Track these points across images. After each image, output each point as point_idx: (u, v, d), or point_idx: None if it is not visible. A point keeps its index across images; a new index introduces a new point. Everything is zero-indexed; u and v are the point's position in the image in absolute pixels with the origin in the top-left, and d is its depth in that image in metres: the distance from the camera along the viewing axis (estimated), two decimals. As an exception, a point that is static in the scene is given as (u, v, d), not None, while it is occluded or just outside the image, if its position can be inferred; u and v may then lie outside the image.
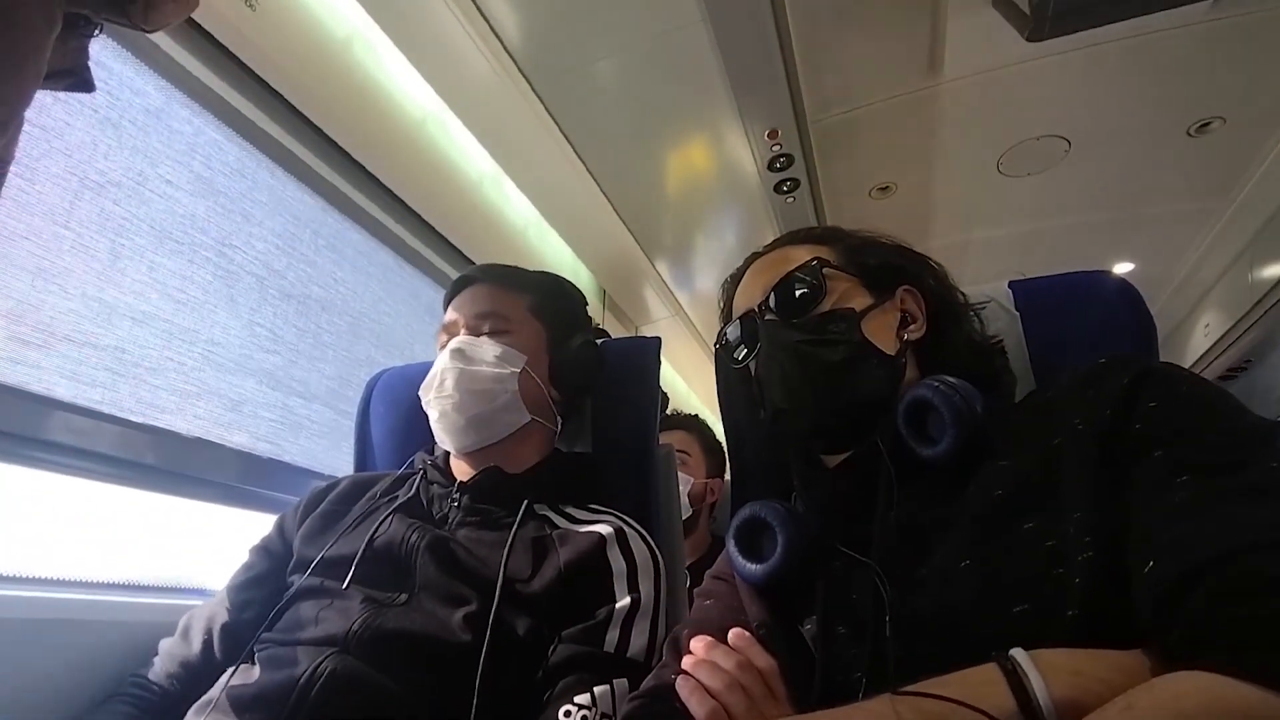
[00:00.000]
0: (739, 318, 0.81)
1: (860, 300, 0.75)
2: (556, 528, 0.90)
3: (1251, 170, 2.20)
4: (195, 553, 1.19)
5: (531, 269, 1.09)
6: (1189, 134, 2.04)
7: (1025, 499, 0.58)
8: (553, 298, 1.06)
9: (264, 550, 0.96)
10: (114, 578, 1.06)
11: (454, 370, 0.94)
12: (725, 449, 1.76)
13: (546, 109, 1.79)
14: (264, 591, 0.91)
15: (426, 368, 0.99)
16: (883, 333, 0.74)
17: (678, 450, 1.66)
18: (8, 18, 0.59)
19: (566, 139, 1.91)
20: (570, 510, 0.94)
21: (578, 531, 0.88)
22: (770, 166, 2.06)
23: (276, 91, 1.38)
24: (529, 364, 0.97)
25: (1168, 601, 0.45)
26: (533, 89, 1.72)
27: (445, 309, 1.03)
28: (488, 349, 0.96)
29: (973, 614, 0.56)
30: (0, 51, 0.59)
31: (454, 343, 0.96)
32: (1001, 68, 1.80)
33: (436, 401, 0.95)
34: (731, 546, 0.75)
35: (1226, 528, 0.45)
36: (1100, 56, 1.75)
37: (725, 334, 0.83)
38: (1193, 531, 0.46)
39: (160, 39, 1.18)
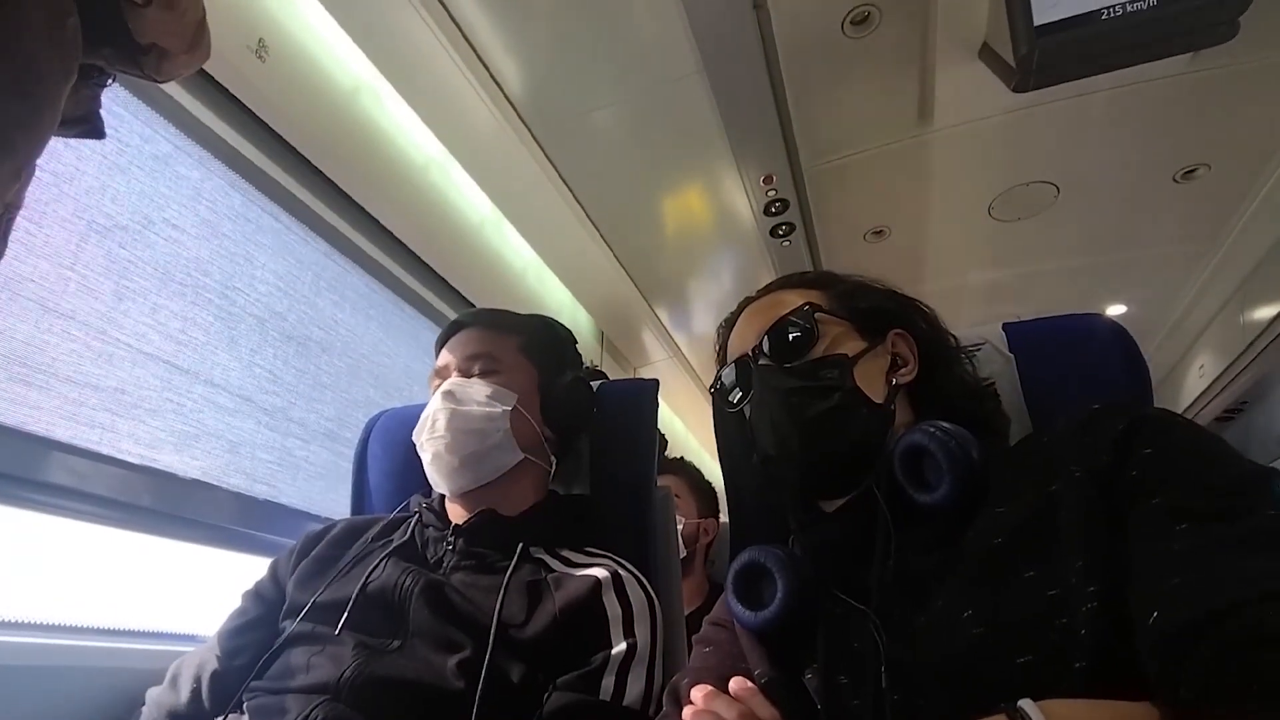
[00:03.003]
0: (734, 362, 0.81)
1: (852, 345, 0.76)
2: (551, 571, 0.89)
3: (1237, 215, 2.23)
4: (187, 597, 1.18)
5: (528, 311, 1.11)
6: (1175, 180, 2.08)
7: (1024, 547, 0.57)
8: (543, 337, 1.07)
9: (257, 595, 0.95)
10: (101, 623, 1.05)
11: (445, 411, 0.94)
12: (716, 490, 1.75)
13: (547, 156, 1.83)
14: (256, 637, 0.89)
15: (424, 409, 0.99)
16: (873, 378, 0.74)
17: (671, 492, 1.65)
18: (28, 69, 0.61)
19: (566, 185, 1.94)
20: (566, 553, 0.93)
21: (573, 575, 0.87)
22: (766, 211, 2.10)
23: (283, 139, 1.41)
24: (520, 403, 0.97)
25: (1174, 653, 0.44)
26: (533, 136, 1.76)
27: (437, 354, 1.04)
28: (478, 389, 0.96)
29: (975, 664, 0.55)
30: (19, 102, 0.61)
31: (445, 385, 0.97)
32: (990, 117, 1.85)
33: (429, 443, 0.95)
34: (730, 593, 0.75)
35: (1229, 578, 0.45)
36: (1086, 106, 1.80)
37: (721, 378, 0.83)
38: (1195, 582, 0.46)
39: (171, 88, 1.21)
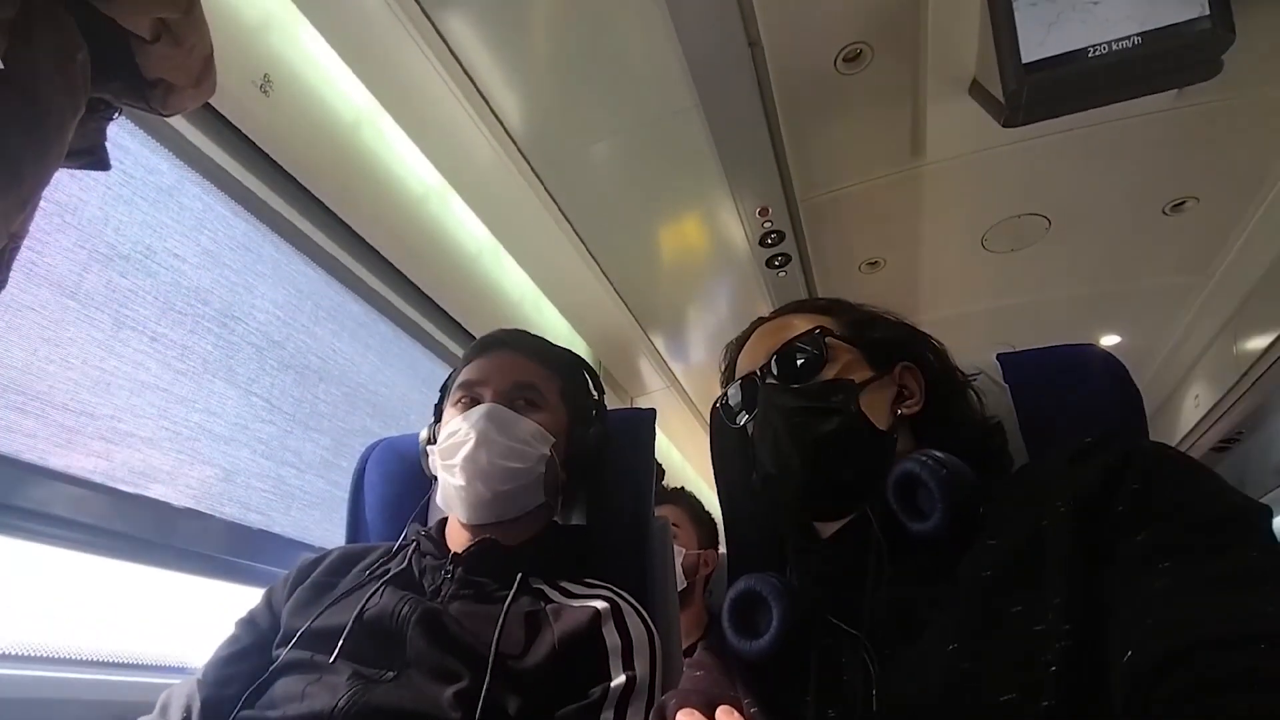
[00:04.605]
0: (740, 380, 0.82)
1: (860, 373, 0.76)
2: (550, 602, 0.88)
3: (1228, 247, 2.26)
4: (178, 627, 1.16)
5: None
6: (1164, 213, 2.11)
7: (1013, 581, 0.57)
8: (580, 386, 1.05)
9: (250, 623, 0.93)
10: (91, 653, 1.03)
11: (488, 441, 0.90)
12: (715, 520, 1.75)
13: (545, 187, 1.85)
14: (248, 667, 0.88)
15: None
16: (878, 407, 0.74)
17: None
18: (37, 102, 0.63)
19: (564, 216, 1.96)
20: (565, 584, 0.92)
21: (572, 606, 0.86)
22: (762, 242, 2.12)
23: (285, 170, 1.43)
24: (553, 446, 0.96)
25: (1138, 695, 0.44)
26: (532, 169, 1.79)
27: (466, 365, 1.00)
28: (525, 426, 0.93)
29: (959, 701, 0.54)
30: (27, 133, 0.62)
31: (491, 408, 0.93)
32: (981, 150, 1.88)
33: (464, 469, 0.90)
34: (726, 620, 0.74)
35: (1202, 619, 0.45)
36: (1075, 140, 1.83)
37: (726, 395, 0.84)
38: (1165, 622, 0.46)
39: (176, 121, 1.23)
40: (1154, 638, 0.46)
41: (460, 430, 0.92)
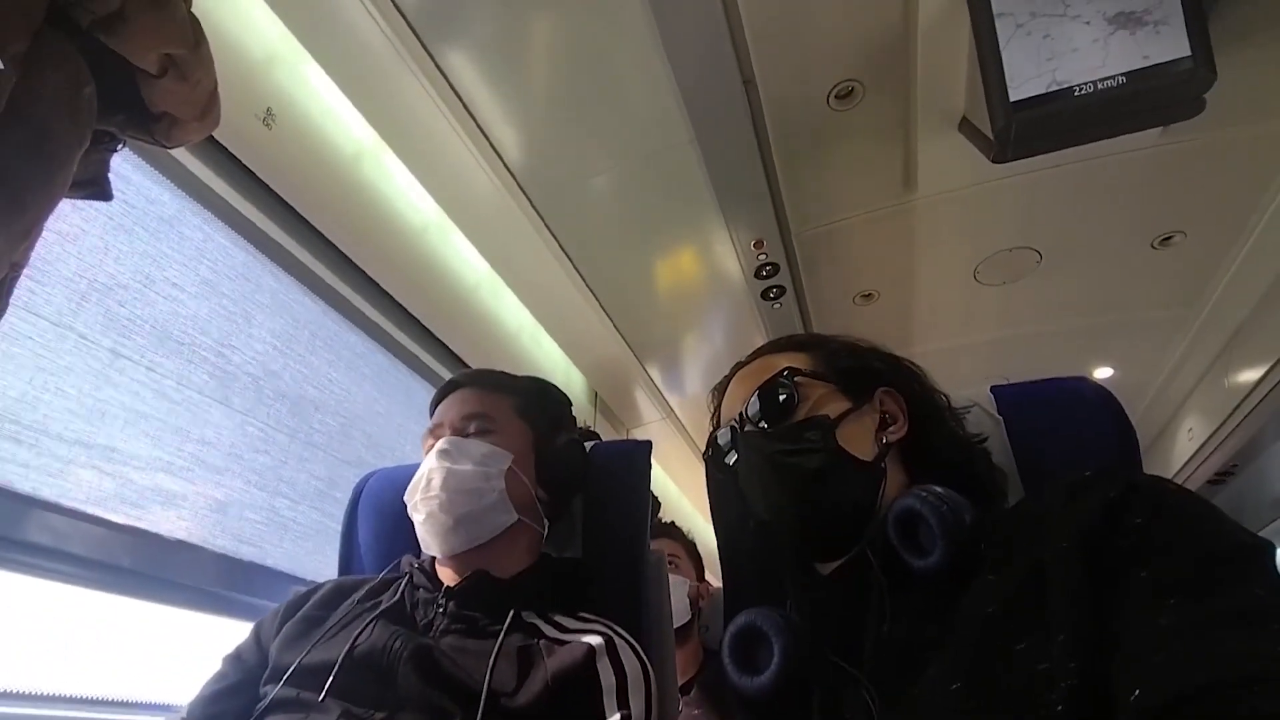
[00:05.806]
0: (726, 426, 0.82)
1: (836, 406, 0.76)
2: (544, 637, 0.87)
3: (1216, 280, 2.29)
4: (164, 663, 1.14)
5: (523, 373, 1.11)
6: (1153, 247, 2.14)
7: (1016, 619, 0.56)
8: (538, 399, 1.07)
9: (238, 658, 0.92)
10: (74, 691, 1.01)
11: (440, 470, 0.93)
12: (707, 553, 1.73)
13: (543, 220, 1.87)
14: (235, 704, 0.86)
15: (416, 469, 0.98)
16: (860, 437, 0.74)
17: (668, 554, 1.63)
18: (44, 134, 0.63)
19: (562, 248, 1.98)
20: (559, 618, 0.91)
21: (566, 641, 0.85)
22: (757, 274, 2.14)
23: (286, 202, 1.44)
24: (515, 463, 0.97)
25: None
26: (530, 202, 1.81)
27: (432, 413, 1.04)
28: (474, 448, 0.96)
29: None
30: (33, 164, 0.63)
31: (440, 444, 0.96)
32: (971, 185, 1.91)
33: (423, 503, 0.93)
34: (726, 656, 0.73)
35: (1210, 659, 0.45)
36: (1063, 176, 1.86)
37: (716, 440, 0.84)
38: (1177, 660, 0.46)
39: (178, 152, 1.25)
40: (1162, 677, 0.45)
41: (421, 472, 0.96)
